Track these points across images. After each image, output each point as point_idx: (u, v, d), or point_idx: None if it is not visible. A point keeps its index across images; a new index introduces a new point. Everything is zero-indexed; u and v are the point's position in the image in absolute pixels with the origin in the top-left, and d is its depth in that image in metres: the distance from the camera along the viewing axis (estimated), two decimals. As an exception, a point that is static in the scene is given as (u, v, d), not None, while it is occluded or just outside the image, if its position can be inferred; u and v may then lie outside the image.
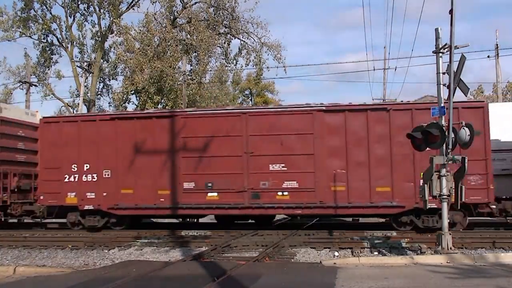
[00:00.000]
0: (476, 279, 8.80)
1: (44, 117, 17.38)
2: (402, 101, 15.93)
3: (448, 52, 10.86)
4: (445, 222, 11.17)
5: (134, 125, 15.87)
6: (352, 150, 14.58)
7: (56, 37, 35.13)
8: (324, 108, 15.02)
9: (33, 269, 11.01)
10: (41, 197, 16.40)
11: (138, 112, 16.31)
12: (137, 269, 10.13)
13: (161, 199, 15.48)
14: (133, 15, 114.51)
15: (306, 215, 16.28)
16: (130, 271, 9.95)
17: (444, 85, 11.22)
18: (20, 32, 33.71)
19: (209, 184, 15.22)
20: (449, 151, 10.96)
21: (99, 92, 36.83)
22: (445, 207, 11.13)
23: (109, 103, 39.17)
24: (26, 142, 18.26)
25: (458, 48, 10.84)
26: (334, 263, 10.54)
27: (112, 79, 37.64)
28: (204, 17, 33.25)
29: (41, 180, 16.51)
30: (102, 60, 35.51)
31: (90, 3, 33.75)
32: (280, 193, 14.87)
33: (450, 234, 11.18)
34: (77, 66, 34.90)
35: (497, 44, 29.37)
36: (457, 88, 10.96)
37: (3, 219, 17.43)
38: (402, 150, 14.10)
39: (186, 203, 15.35)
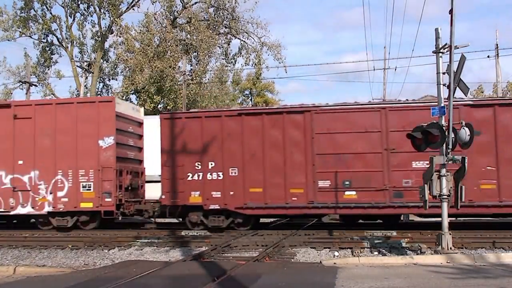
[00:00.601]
0: (476, 279, 8.79)
1: (163, 113, 16.83)
2: None
3: (448, 52, 10.87)
4: (445, 222, 11.17)
5: (262, 121, 15.34)
6: (503, 146, 13.89)
7: (56, 37, 35.22)
8: (471, 102, 14.58)
9: (33, 269, 11.02)
10: (163, 197, 15.82)
11: (267, 107, 15.85)
12: (137, 269, 10.12)
13: (294, 198, 14.96)
14: (133, 15, 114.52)
15: (453, 215, 15.78)
16: (130, 271, 9.95)
17: (444, 85, 11.22)
18: (20, 32, 33.78)
19: (347, 182, 14.72)
20: (449, 151, 10.98)
21: (99, 92, 36.84)
22: (445, 207, 11.14)
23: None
24: (134, 138, 17.80)
25: (458, 48, 10.84)
26: (334, 263, 10.54)
27: (112, 79, 37.73)
28: (204, 17, 33.31)
29: (163, 179, 15.84)
30: (102, 60, 35.53)
31: (90, 3, 33.80)
32: None
33: (450, 234, 11.19)
34: (77, 66, 34.95)
35: (497, 44, 29.46)
36: (457, 88, 10.97)
37: (120, 218, 16.83)
38: None
39: (321, 202, 14.79)
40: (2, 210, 16.30)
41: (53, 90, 36.99)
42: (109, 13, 33.25)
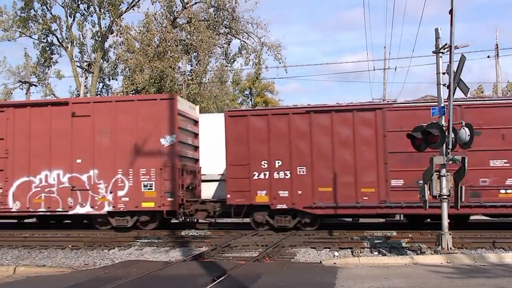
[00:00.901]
0: (476, 279, 8.80)
1: (228, 111, 16.47)
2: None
3: (448, 52, 10.87)
4: (445, 222, 11.19)
5: (331, 119, 15.09)
6: None
7: (56, 37, 35.18)
8: None
9: (33, 269, 11.02)
10: (228, 196, 15.50)
11: (336, 104, 15.56)
12: (137, 269, 10.14)
13: (365, 198, 14.72)
14: (133, 15, 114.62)
15: None
16: (130, 271, 9.96)
17: (444, 85, 11.23)
18: (20, 32, 33.74)
19: (421, 181, 14.58)
20: (449, 151, 10.99)
21: (99, 92, 36.84)
22: (445, 207, 11.15)
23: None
24: (191, 137, 17.45)
25: (458, 48, 10.85)
26: (334, 263, 10.55)
27: (112, 79, 37.71)
28: (204, 17, 33.28)
29: (228, 178, 15.56)
30: (102, 60, 35.53)
31: (90, 3, 33.79)
32: (503, 191, 14.01)
33: (450, 234, 11.20)
34: (77, 66, 34.95)
35: (497, 44, 29.50)
36: (457, 88, 10.97)
37: (182, 219, 16.41)
38: None
39: (394, 202, 14.50)
40: (60, 209, 15.99)
41: (53, 90, 37.00)
42: (109, 13, 33.23)
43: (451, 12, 10.62)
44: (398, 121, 14.63)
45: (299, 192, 15.05)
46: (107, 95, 37.54)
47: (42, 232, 16.15)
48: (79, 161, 15.93)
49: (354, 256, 11.71)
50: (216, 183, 17.86)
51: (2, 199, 16.20)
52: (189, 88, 30.82)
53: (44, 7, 33.94)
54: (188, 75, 31.30)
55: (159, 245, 13.65)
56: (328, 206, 14.95)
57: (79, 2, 34.43)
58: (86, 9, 34.80)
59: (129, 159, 15.65)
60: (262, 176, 15.29)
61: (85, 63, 34.88)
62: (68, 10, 34.55)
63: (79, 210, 15.95)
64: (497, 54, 29.17)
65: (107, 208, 15.79)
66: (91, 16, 34.91)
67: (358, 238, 13.67)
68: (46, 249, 13.77)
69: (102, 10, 33.79)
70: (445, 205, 11.15)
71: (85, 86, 34.39)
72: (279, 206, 15.18)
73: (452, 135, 10.93)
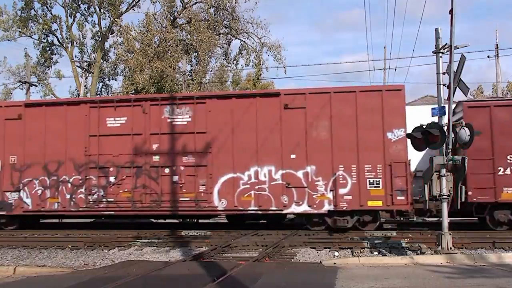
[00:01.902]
0: (476, 279, 8.81)
1: (467, 101, 15.32)
2: None
3: (448, 52, 10.88)
4: (445, 222, 11.20)
5: None
6: None
7: (56, 37, 35.21)
8: None
9: (33, 269, 11.01)
10: (469, 193, 14.37)
11: None
12: (137, 269, 10.13)
13: None
14: (133, 15, 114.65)
15: None
16: (130, 271, 9.95)
17: (444, 85, 11.24)
18: (20, 32, 33.75)
19: None
20: (449, 151, 11.00)
21: (99, 92, 36.85)
22: (445, 207, 11.16)
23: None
24: None
25: (458, 48, 10.86)
26: (334, 263, 10.55)
27: (112, 79, 37.73)
28: (205, 17, 33.30)
29: (469, 173, 14.15)
30: (102, 60, 35.54)
31: (91, 3, 33.81)
32: None
33: (450, 234, 11.21)
34: (77, 66, 34.94)
35: (497, 44, 29.55)
36: (457, 88, 10.99)
37: (415, 218, 15.62)
38: None
39: None
40: (273, 208, 15.02)
41: (53, 90, 37.00)
42: (109, 13, 33.28)
43: (451, 12, 10.63)
44: None
45: None
46: (108, 95, 37.48)
47: (42, 232, 16.14)
48: (293, 156, 14.98)
49: (354, 256, 11.72)
50: None
51: (206, 196, 15.37)
52: (189, 88, 30.83)
53: (44, 7, 33.99)
54: (188, 75, 31.31)
55: (159, 245, 13.65)
56: None
57: (80, 2, 34.47)
58: (86, 9, 34.88)
59: (351, 155, 14.72)
60: (508, 171, 14.35)
61: (85, 63, 34.89)
62: (68, 10, 34.59)
63: (294, 209, 15.01)
64: (497, 54, 29.24)
65: (327, 207, 14.81)
66: (91, 16, 35.01)
67: (358, 238, 13.67)
68: (46, 249, 13.75)
69: (102, 10, 33.84)
70: (445, 205, 11.16)
71: (85, 86, 34.40)
72: None
73: (452, 135, 10.94)
